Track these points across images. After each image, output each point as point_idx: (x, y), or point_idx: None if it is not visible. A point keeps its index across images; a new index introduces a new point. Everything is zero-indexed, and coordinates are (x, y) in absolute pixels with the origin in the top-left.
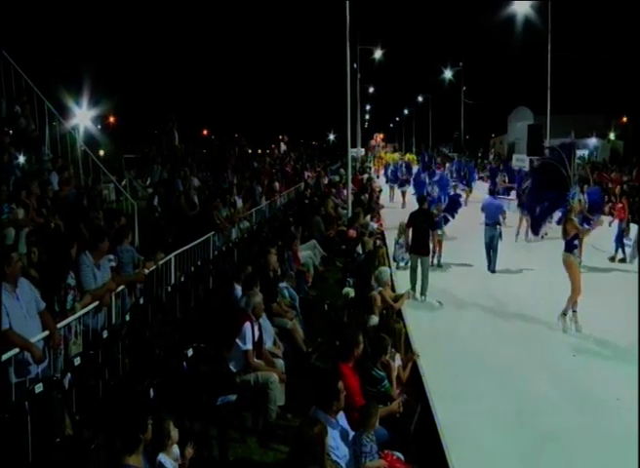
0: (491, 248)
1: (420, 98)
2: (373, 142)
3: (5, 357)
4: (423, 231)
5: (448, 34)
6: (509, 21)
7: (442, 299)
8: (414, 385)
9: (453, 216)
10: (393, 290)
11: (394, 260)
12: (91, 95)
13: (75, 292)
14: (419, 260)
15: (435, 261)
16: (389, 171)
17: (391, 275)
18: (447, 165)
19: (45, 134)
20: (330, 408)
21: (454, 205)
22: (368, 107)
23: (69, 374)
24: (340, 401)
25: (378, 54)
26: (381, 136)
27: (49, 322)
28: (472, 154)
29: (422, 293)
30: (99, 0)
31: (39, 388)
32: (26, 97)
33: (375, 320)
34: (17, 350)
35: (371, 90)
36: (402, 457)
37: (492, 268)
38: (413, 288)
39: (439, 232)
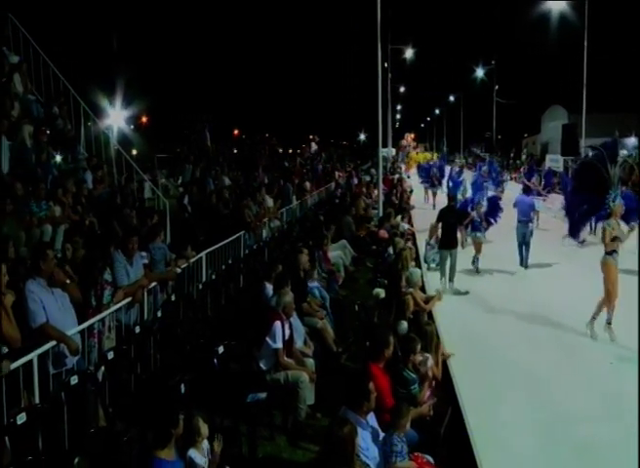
0: (523, 244)
1: (451, 98)
2: (404, 142)
3: (42, 350)
4: (453, 226)
5: (480, 32)
6: (544, 18)
7: (476, 303)
8: (444, 388)
9: (495, 220)
10: (424, 291)
11: (425, 261)
12: (124, 95)
13: (111, 287)
14: (448, 254)
15: (473, 266)
16: (422, 171)
17: (422, 276)
18: (478, 165)
19: (80, 133)
20: (360, 408)
21: (494, 208)
22: (399, 107)
23: (103, 368)
24: (371, 401)
25: (409, 53)
26: (412, 135)
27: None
28: (504, 154)
29: (450, 280)
30: (129, 1)
31: (74, 380)
32: (63, 98)
33: (405, 324)
34: (53, 342)
35: (402, 89)
36: (432, 460)
37: (524, 264)
38: (442, 277)
39: (477, 235)
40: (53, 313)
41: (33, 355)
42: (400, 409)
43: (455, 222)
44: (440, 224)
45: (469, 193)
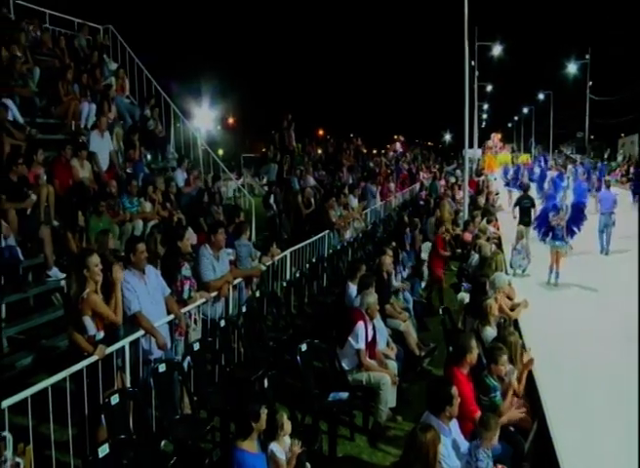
0: (604, 233)
1: (540, 96)
2: (490, 143)
3: (133, 337)
4: (528, 209)
5: (573, 24)
6: None
7: (559, 318)
8: (530, 401)
9: (579, 229)
10: (510, 298)
11: (511, 267)
12: (211, 97)
13: (191, 282)
14: (524, 229)
15: (552, 280)
16: (508, 174)
17: (509, 283)
18: (569, 167)
19: (170, 134)
20: (442, 413)
21: (578, 214)
22: (485, 106)
23: (189, 358)
24: (453, 407)
25: (496, 50)
26: (499, 135)
27: (174, 307)
28: (597, 156)
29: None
30: (215, 5)
31: (162, 368)
32: (155, 100)
33: (489, 331)
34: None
35: (489, 88)
36: None
37: (605, 252)
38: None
39: (557, 243)
40: (145, 304)
41: (125, 342)
42: (488, 422)
43: (529, 207)
44: (517, 208)
45: (570, 199)
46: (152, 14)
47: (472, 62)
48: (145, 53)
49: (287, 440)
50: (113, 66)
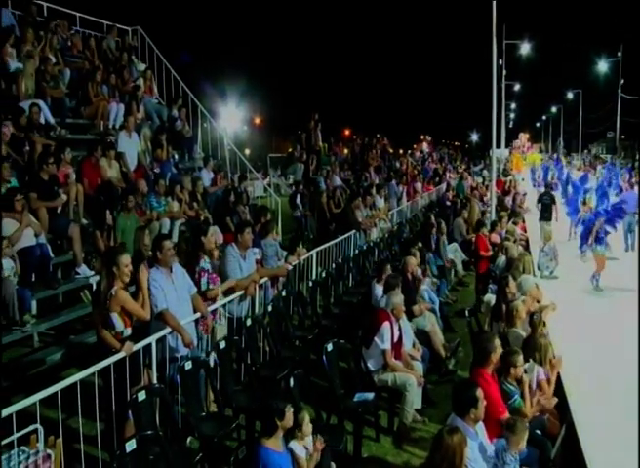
0: (630, 231)
1: (569, 95)
2: (517, 142)
3: (160, 335)
4: (548, 205)
5: (603, 22)
6: None
7: (587, 321)
8: (558, 406)
9: (614, 228)
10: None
11: (538, 269)
12: (238, 97)
13: (209, 274)
14: (545, 224)
15: (593, 283)
16: (536, 174)
17: (537, 285)
18: (598, 168)
19: (197, 134)
20: (467, 415)
21: (617, 215)
22: (513, 106)
23: (214, 354)
24: (479, 410)
25: (525, 48)
26: (527, 135)
27: (200, 305)
28: (628, 156)
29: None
30: (242, 5)
31: (189, 365)
32: (182, 100)
33: (517, 333)
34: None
35: (516, 87)
36: None
37: (629, 248)
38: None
39: (598, 248)
40: (171, 302)
41: (152, 339)
42: (515, 426)
43: (550, 203)
44: (540, 204)
45: (594, 201)
46: (179, 14)
47: (500, 61)
48: (185, 52)
49: (308, 438)
50: (141, 67)
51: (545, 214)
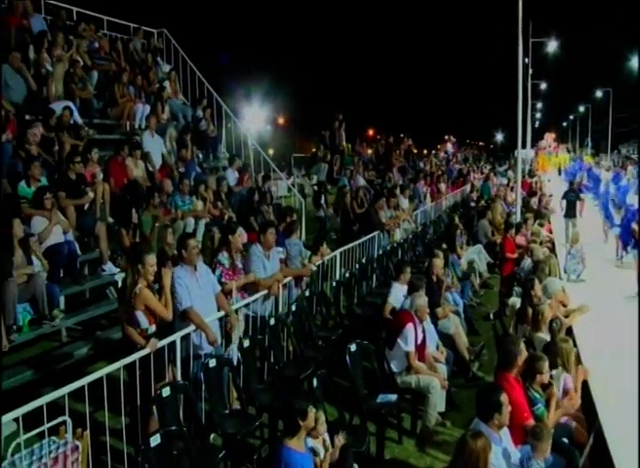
0: None
1: (598, 93)
2: (543, 143)
3: (184, 332)
4: (573, 202)
5: (634, 16)
6: None
7: (616, 326)
8: (585, 414)
9: None
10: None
11: (565, 272)
12: (262, 97)
13: (224, 269)
14: (570, 221)
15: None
16: (565, 175)
17: (563, 288)
18: (629, 168)
19: (222, 134)
20: (491, 420)
21: None
22: (539, 105)
23: (238, 353)
24: (503, 415)
25: (551, 46)
26: (553, 135)
27: (224, 303)
28: None
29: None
30: (266, 6)
31: (212, 363)
32: (207, 101)
33: (542, 338)
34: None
35: (542, 86)
36: None
37: None
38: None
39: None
40: (195, 300)
41: (176, 336)
42: (541, 432)
43: (575, 200)
44: (565, 201)
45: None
46: (204, 16)
47: (526, 60)
48: (223, 53)
49: (326, 438)
50: (166, 69)
51: (570, 212)
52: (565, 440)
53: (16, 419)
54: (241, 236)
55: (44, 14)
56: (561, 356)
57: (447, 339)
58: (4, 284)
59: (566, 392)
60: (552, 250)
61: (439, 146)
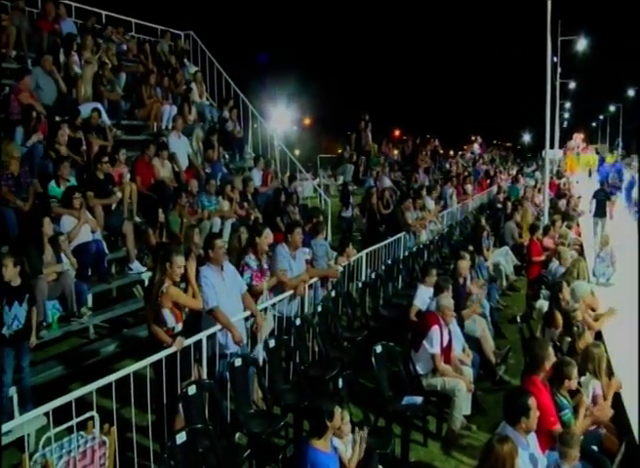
0: None
1: (630, 92)
2: (572, 143)
3: (210, 331)
4: (603, 202)
5: None
6: None
7: None
8: (617, 421)
9: None
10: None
11: (594, 275)
12: (288, 98)
13: (253, 271)
14: (599, 220)
15: None
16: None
17: (592, 292)
18: None
19: (248, 134)
20: (518, 424)
21: None
22: (567, 105)
23: (264, 353)
24: (530, 419)
25: (581, 45)
26: (582, 136)
27: (251, 304)
28: None
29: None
30: (290, 6)
31: (238, 362)
32: (233, 102)
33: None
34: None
35: (571, 85)
36: None
37: None
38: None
39: None
40: (222, 299)
41: (202, 335)
42: (570, 439)
43: (604, 200)
44: (595, 200)
45: None
46: (230, 17)
47: (555, 58)
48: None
49: (350, 438)
50: (193, 70)
51: (599, 211)
52: (594, 447)
53: (46, 414)
54: (267, 237)
55: (74, 17)
56: (592, 361)
57: (473, 342)
58: (34, 281)
59: (595, 399)
60: (581, 252)
61: (465, 147)
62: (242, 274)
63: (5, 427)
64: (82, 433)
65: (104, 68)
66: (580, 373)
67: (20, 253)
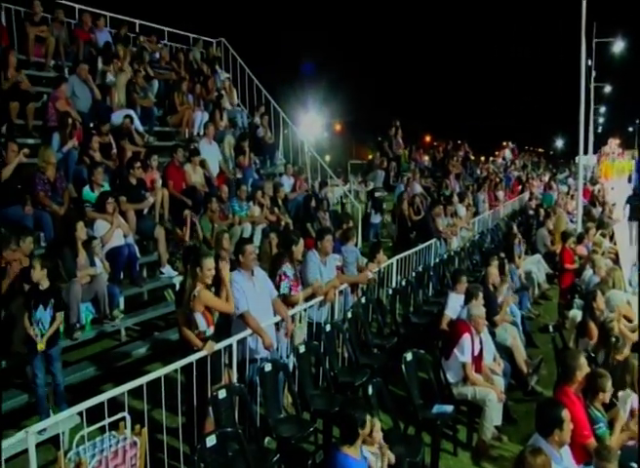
0: None
1: None
2: (607, 148)
3: (240, 336)
4: (637, 207)
5: None
6: None
7: None
8: None
9: None
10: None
11: (630, 284)
12: (319, 104)
13: (289, 279)
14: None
15: None
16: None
17: (629, 302)
18: None
19: (279, 140)
20: (551, 436)
21: None
22: (602, 109)
23: (294, 358)
24: (564, 432)
25: (617, 47)
26: (617, 141)
27: (281, 309)
28: None
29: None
30: (321, 13)
31: (268, 367)
32: (264, 108)
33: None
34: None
35: (606, 89)
36: None
37: None
38: None
39: None
40: (252, 304)
41: (233, 340)
42: (608, 454)
43: (637, 205)
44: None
45: None
46: (260, 25)
47: (589, 61)
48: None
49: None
50: (224, 76)
51: (633, 216)
52: (634, 465)
53: (79, 413)
54: (301, 245)
55: (109, 27)
56: (631, 374)
57: (504, 351)
58: (68, 284)
59: (632, 413)
60: (616, 261)
61: (497, 153)
62: (280, 283)
63: (40, 425)
64: (114, 433)
65: (138, 76)
66: (619, 387)
67: (55, 257)
